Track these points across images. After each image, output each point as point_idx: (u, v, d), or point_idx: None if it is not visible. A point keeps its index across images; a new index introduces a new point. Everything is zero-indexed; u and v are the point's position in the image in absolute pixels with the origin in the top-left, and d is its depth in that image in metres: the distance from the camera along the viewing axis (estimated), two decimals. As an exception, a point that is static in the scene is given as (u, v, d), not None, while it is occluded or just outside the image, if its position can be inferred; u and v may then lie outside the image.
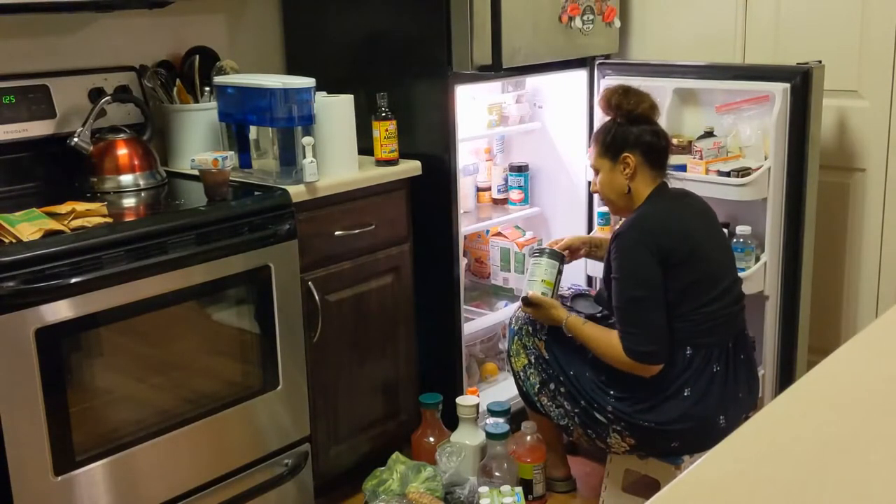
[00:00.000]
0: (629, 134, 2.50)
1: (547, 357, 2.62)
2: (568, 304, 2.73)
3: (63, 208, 2.20)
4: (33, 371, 2.02)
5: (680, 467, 2.50)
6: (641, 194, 2.51)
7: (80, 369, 2.18)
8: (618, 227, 2.55)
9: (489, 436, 2.78)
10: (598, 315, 2.65)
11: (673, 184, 2.60)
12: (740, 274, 2.84)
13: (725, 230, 2.93)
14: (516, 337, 2.71)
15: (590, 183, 2.70)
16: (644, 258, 2.40)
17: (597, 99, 2.85)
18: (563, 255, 2.72)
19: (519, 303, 2.72)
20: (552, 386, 2.62)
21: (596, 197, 3.29)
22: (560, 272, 2.69)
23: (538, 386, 2.66)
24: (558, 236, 3.40)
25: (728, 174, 2.84)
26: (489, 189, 3.45)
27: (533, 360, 2.66)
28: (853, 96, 2.94)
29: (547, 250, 2.71)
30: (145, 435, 2.26)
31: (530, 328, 2.67)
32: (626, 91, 2.53)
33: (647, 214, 2.48)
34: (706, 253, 2.49)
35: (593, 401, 2.52)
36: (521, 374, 2.71)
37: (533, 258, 2.72)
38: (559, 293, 2.73)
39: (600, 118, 3.18)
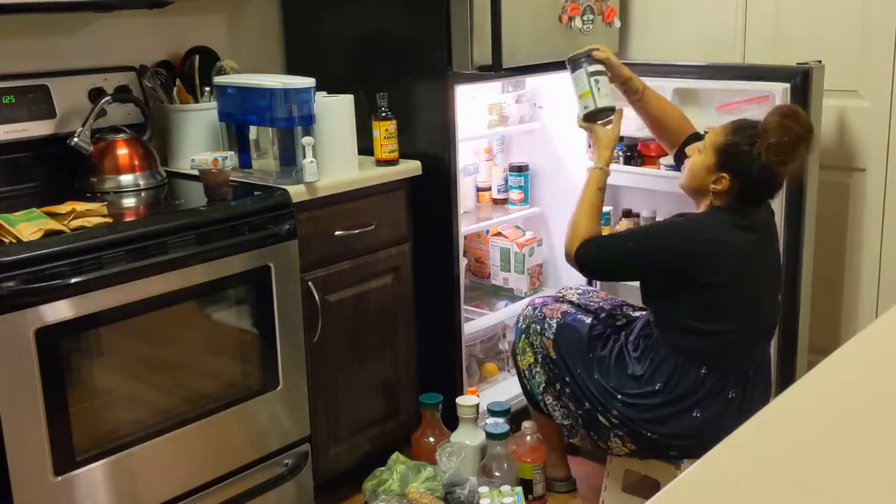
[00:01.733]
0: (752, 168, 2.34)
1: (554, 357, 2.62)
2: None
3: (63, 208, 2.20)
4: (33, 371, 2.02)
5: (680, 467, 2.50)
6: (712, 202, 2.43)
7: (80, 369, 2.18)
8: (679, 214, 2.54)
9: (489, 436, 2.78)
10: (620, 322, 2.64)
11: (672, 184, 2.59)
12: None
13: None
14: (523, 335, 2.71)
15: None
16: (671, 243, 2.43)
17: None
18: (590, 54, 2.66)
19: (524, 303, 2.72)
20: (557, 386, 2.62)
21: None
22: (594, 73, 2.64)
23: (543, 385, 2.66)
24: (558, 236, 3.41)
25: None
26: (489, 189, 3.45)
27: (539, 359, 2.66)
28: (853, 96, 2.93)
29: (575, 60, 2.69)
30: (145, 435, 2.26)
31: (538, 327, 2.67)
32: (785, 114, 2.38)
33: (708, 223, 2.42)
34: (745, 284, 2.42)
35: (598, 403, 2.51)
36: (527, 372, 2.71)
37: (572, 75, 2.70)
38: None
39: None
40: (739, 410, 2.40)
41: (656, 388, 2.43)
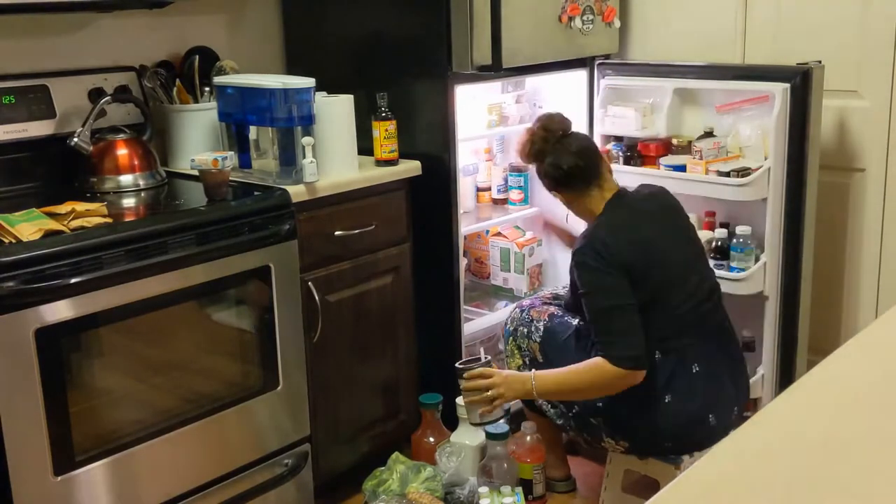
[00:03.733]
0: (542, 174, 2.60)
1: (541, 360, 2.62)
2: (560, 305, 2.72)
3: (63, 208, 2.20)
4: (33, 371, 2.02)
5: (680, 467, 2.50)
6: (597, 207, 2.52)
7: (80, 369, 2.18)
8: (575, 243, 2.53)
9: (489, 436, 2.77)
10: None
11: (672, 184, 2.59)
12: (739, 274, 2.86)
13: (725, 230, 2.94)
14: (511, 338, 2.72)
15: None
16: (603, 269, 2.38)
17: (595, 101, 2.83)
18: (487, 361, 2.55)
19: (513, 306, 2.72)
20: None
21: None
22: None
23: None
24: (558, 236, 3.41)
25: (728, 174, 2.84)
26: (489, 189, 3.45)
27: (528, 362, 2.67)
28: (853, 96, 2.93)
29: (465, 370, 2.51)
30: (145, 435, 2.26)
31: (525, 330, 2.67)
32: (521, 141, 2.63)
33: (598, 227, 2.47)
34: (666, 257, 2.45)
35: (586, 405, 2.52)
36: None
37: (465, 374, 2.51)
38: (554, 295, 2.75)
39: (600, 118, 3.21)
40: (706, 379, 2.42)
41: (626, 399, 2.42)
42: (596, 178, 2.53)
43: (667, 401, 2.41)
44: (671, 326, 2.42)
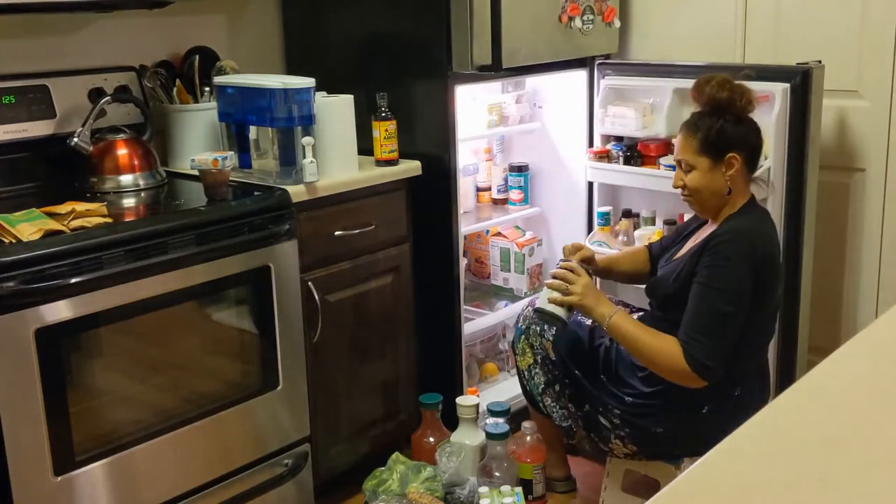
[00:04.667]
0: (738, 133, 2.33)
1: (554, 358, 2.61)
2: None
3: (63, 208, 2.20)
4: (33, 371, 2.02)
5: (680, 467, 2.49)
6: (738, 201, 2.38)
7: (80, 369, 2.18)
8: (716, 231, 2.35)
9: (489, 436, 2.77)
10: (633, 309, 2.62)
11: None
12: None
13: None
14: (523, 336, 2.70)
15: (676, 171, 2.47)
16: (746, 274, 2.27)
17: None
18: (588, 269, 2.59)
19: (526, 302, 2.68)
20: (557, 387, 2.62)
21: (595, 197, 3.29)
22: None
23: (543, 386, 2.65)
24: (556, 236, 3.41)
25: (728, 174, 2.83)
26: (489, 189, 3.45)
27: (539, 360, 2.65)
28: (853, 96, 2.93)
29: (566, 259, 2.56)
30: (145, 435, 2.26)
31: (538, 328, 2.66)
32: (733, 87, 2.35)
33: (752, 226, 2.34)
34: (779, 279, 2.45)
35: (599, 405, 2.51)
36: (526, 373, 2.71)
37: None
38: None
39: (600, 118, 3.20)
40: (744, 406, 2.39)
41: (660, 387, 2.40)
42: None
43: (704, 411, 2.39)
44: (753, 354, 2.41)
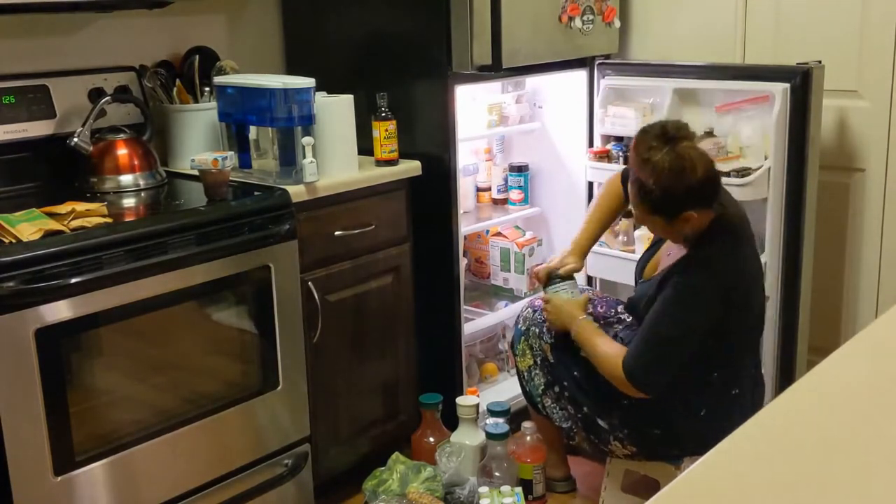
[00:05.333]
0: (680, 192, 2.22)
1: (552, 360, 2.61)
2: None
3: (63, 208, 2.20)
4: (33, 371, 2.02)
5: (680, 467, 2.49)
6: (702, 227, 2.31)
7: (80, 369, 2.18)
8: (685, 256, 2.35)
9: (489, 436, 2.78)
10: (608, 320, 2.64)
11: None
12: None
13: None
14: (523, 337, 2.70)
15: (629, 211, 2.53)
16: (702, 307, 2.30)
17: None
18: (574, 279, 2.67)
19: (525, 302, 2.70)
20: (556, 388, 2.62)
21: (595, 197, 3.29)
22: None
23: (542, 387, 2.65)
24: (556, 236, 3.41)
25: (728, 174, 2.83)
26: (489, 189, 3.45)
27: (538, 362, 2.66)
28: (853, 96, 2.93)
29: (559, 276, 2.64)
30: (145, 435, 2.26)
31: (537, 330, 2.66)
32: (644, 159, 2.22)
33: (722, 254, 2.32)
34: (757, 283, 2.45)
35: (598, 406, 2.51)
36: (526, 374, 2.71)
37: (551, 287, 2.63)
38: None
39: (600, 118, 3.20)
40: (742, 404, 2.42)
41: (660, 404, 2.41)
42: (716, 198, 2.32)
43: (702, 413, 2.41)
44: (734, 351, 2.42)
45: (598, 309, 2.67)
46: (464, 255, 3.09)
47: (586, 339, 2.48)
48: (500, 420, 2.81)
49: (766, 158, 2.84)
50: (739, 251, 2.38)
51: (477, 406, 2.87)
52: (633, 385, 2.35)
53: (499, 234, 3.44)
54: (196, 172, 2.44)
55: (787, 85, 2.75)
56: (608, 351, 2.42)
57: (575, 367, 2.56)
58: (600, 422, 2.51)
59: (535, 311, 2.71)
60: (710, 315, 2.32)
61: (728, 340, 2.38)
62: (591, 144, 3.27)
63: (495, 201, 3.45)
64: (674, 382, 2.36)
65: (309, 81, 2.60)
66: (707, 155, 2.29)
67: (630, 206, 2.46)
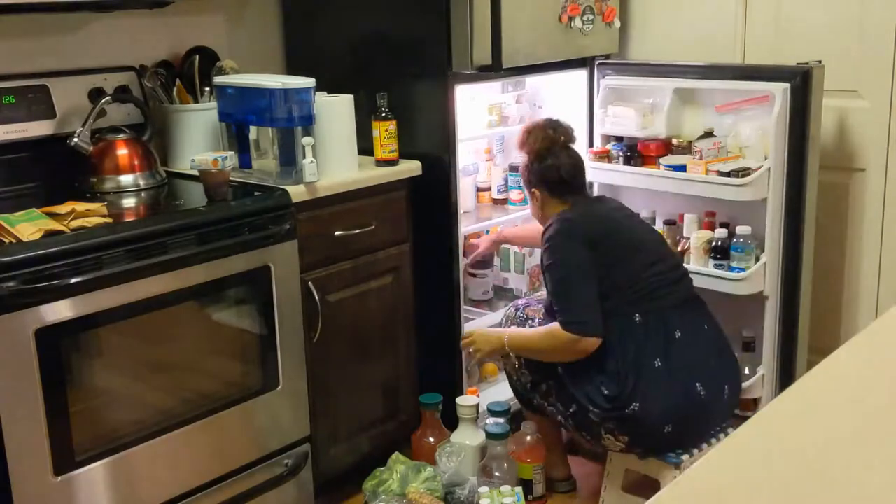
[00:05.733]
0: (532, 171, 2.70)
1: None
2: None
3: (63, 208, 2.20)
4: (33, 371, 2.02)
5: (680, 467, 2.50)
6: (553, 213, 2.65)
7: (80, 369, 2.18)
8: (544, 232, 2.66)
9: (489, 436, 2.78)
10: None
11: (672, 184, 2.60)
12: (739, 274, 2.86)
13: (725, 230, 2.94)
14: None
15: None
16: (569, 245, 2.53)
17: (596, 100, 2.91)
18: None
19: (510, 304, 2.75)
20: (544, 387, 2.64)
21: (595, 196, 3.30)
22: None
23: (531, 385, 2.68)
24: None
25: (728, 174, 2.84)
26: (489, 189, 3.45)
27: (524, 361, 2.68)
28: (853, 96, 2.93)
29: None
30: (145, 435, 2.26)
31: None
32: (528, 130, 2.74)
33: (563, 213, 2.63)
34: (625, 226, 2.64)
35: (583, 402, 2.52)
36: (514, 374, 2.74)
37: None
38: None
39: (600, 118, 3.21)
40: (687, 345, 2.51)
41: (619, 365, 2.46)
42: (577, 194, 2.69)
43: (657, 364, 2.46)
44: (643, 290, 2.51)
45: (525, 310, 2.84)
46: (464, 255, 3.09)
47: (520, 342, 2.64)
48: (500, 420, 2.81)
49: (765, 158, 2.84)
50: (589, 206, 2.71)
51: (477, 406, 2.87)
52: (579, 333, 2.46)
53: (499, 234, 3.44)
54: (196, 172, 2.44)
55: (787, 85, 2.75)
56: (544, 332, 2.55)
57: (559, 365, 2.57)
58: (590, 416, 2.51)
59: (517, 311, 2.76)
60: (579, 251, 2.52)
61: (621, 280, 2.52)
62: (591, 144, 3.27)
63: (495, 201, 3.45)
64: (613, 336, 2.49)
65: (309, 81, 2.60)
66: (579, 156, 2.75)
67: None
